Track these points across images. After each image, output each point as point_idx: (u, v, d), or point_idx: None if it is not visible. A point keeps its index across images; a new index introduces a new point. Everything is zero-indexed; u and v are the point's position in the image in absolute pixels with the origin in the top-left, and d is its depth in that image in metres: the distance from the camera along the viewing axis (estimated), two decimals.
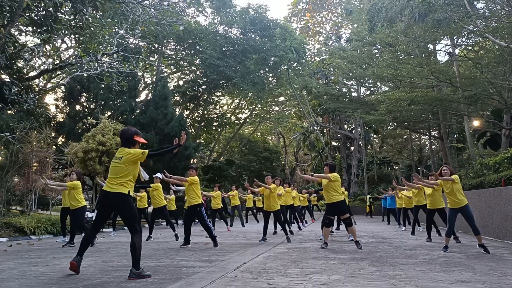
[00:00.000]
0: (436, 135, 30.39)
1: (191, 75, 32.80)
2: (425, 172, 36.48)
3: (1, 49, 10.34)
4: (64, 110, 20.75)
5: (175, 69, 32.55)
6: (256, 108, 37.10)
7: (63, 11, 12.33)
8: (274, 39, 27.22)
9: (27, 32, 13.55)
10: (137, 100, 23.07)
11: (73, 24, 12.94)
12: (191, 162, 24.00)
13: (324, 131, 42.87)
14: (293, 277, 4.72)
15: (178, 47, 30.39)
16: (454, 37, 20.47)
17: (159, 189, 10.42)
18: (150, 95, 27.06)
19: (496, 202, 9.67)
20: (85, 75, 13.90)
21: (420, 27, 18.91)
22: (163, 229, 14.72)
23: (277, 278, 4.65)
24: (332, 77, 37.32)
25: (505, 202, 9.17)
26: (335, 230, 12.27)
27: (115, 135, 15.78)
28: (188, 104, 32.83)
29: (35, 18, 11.84)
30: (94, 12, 13.88)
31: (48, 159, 14.35)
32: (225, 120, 35.27)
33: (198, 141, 31.83)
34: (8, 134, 12.57)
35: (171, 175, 8.19)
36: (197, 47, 28.32)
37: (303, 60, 32.09)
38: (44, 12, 11.72)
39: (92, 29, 14.42)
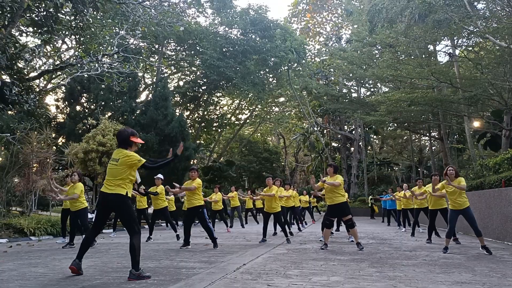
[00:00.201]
0: (436, 136, 30.40)
1: (191, 76, 32.80)
2: (425, 173, 36.49)
3: (1, 49, 10.35)
4: (65, 111, 20.76)
5: (175, 70, 32.56)
6: (256, 109, 37.10)
7: (63, 12, 12.34)
8: (274, 40, 27.23)
9: (28, 33, 13.57)
10: (137, 100, 23.08)
11: (74, 25, 12.95)
12: (191, 162, 24.00)
13: (324, 132, 42.86)
14: (292, 278, 4.72)
15: (179, 47, 30.40)
16: (455, 38, 20.47)
17: (162, 191, 10.44)
18: (150, 95, 27.08)
19: (496, 203, 9.66)
20: (85, 75, 13.90)
21: (420, 27, 18.91)
22: (163, 230, 14.72)
23: (277, 280, 4.64)
24: (332, 78, 37.33)
25: (505, 203, 9.16)
26: (335, 231, 12.26)
27: (115, 135, 15.78)
28: (188, 104, 32.83)
29: (36, 18, 11.85)
30: (95, 12, 13.90)
31: (48, 160, 14.34)
32: (225, 121, 35.26)
33: (198, 141, 31.83)
34: (9, 134, 12.58)
35: (179, 186, 8.21)
36: (198, 48, 28.32)
37: (303, 61, 32.09)
38: (44, 13, 11.73)
39: (93, 29, 14.43)
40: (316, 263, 5.98)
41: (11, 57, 10.93)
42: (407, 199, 12.39)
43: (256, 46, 27.49)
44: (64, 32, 13.16)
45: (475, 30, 17.01)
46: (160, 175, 10.71)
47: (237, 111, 37.62)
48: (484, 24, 16.81)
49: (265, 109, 38.41)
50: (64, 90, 21.21)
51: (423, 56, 22.77)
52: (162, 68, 27.15)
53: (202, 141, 35.32)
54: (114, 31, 16.47)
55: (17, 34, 13.16)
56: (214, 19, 29.22)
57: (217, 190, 14.23)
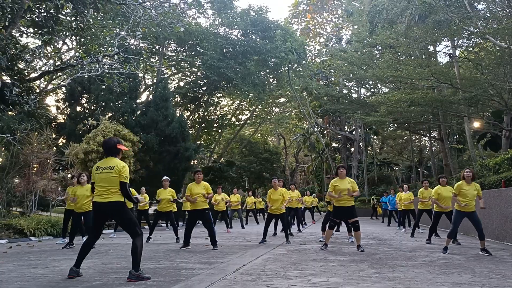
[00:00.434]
0: (437, 136, 30.41)
1: (191, 77, 32.81)
2: (425, 173, 36.48)
3: (2, 50, 10.37)
4: (65, 112, 20.77)
5: (175, 71, 32.54)
6: (257, 110, 37.11)
7: (64, 13, 12.34)
8: (274, 41, 27.24)
9: (28, 34, 13.59)
10: (137, 101, 23.09)
11: (74, 26, 12.96)
12: (191, 163, 24.00)
13: (325, 132, 42.86)
14: (292, 279, 4.72)
15: (179, 48, 30.41)
16: (455, 39, 20.48)
17: (173, 194, 10.41)
18: (150, 96, 27.09)
19: (496, 204, 9.66)
20: (86, 76, 13.89)
21: (421, 28, 18.92)
22: (163, 230, 14.72)
23: (276, 280, 4.65)
24: (333, 79, 37.33)
25: (505, 203, 9.16)
26: (335, 232, 12.26)
27: (115, 136, 15.80)
28: (188, 105, 32.84)
29: (36, 19, 11.87)
30: (95, 13, 13.91)
31: (48, 160, 14.36)
32: (226, 122, 35.27)
33: (198, 142, 31.82)
34: (9, 135, 12.59)
35: (210, 193, 8.13)
36: (198, 49, 28.33)
37: (304, 62, 32.09)
38: (45, 14, 11.75)
39: (93, 30, 14.44)
40: (316, 264, 5.98)
41: (12, 58, 10.95)
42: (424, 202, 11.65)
43: (256, 46, 27.50)
44: (64, 33, 13.17)
45: (475, 30, 17.01)
46: (167, 177, 10.69)
47: (238, 112, 37.63)
48: (484, 24, 16.82)
49: (266, 109, 38.42)
50: (65, 91, 21.24)
51: (423, 56, 22.79)
52: (163, 68, 27.16)
53: (202, 142, 35.32)
54: (115, 32, 16.50)
55: (17, 35, 13.19)
56: (214, 20, 29.22)
57: (220, 191, 14.26)
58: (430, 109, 20.76)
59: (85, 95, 20.38)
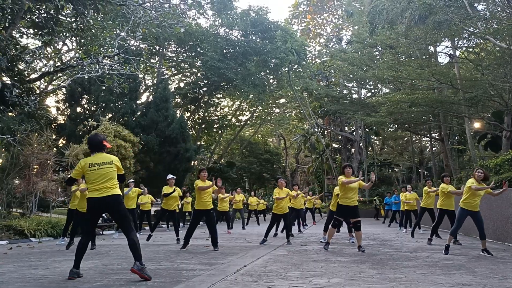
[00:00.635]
0: (437, 137, 30.39)
1: (192, 77, 32.82)
2: (426, 174, 36.45)
3: (2, 51, 10.37)
4: (65, 112, 20.77)
5: (176, 71, 32.56)
6: (257, 110, 37.12)
7: (64, 14, 12.35)
8: (275, 41, 27.26)
9: (29, 35, 13.57)
10: (138, 102, 23.09)
11: (74, 27, 12.97)
12: (192, 164, 23.99)
13: (325, 133, 42.86)
14: (293, 280, 4.71)
15: (179, 49, 30.44)
16: (455, 39, 20.48)
17: (179, 192, 10.46)
18: (151, 97, 27.10)
19: (497, 204, 9.65)
20: (86, 77, 13.89)
21: (421, 29, 18.92)
22: (163, 231, 14.70)
23: (277, 281, 4.64)
24: (333, 79, 37.33)
25: (506, 204, 9.15)
26: (335, 232, 12.26)
27: (116, 137, 15.79)
28: (189, 106, 32.85)
29: (37, 20, 11.87)
30: (95, 14, 13.91)
31: (48, 161, 14.34)
32: (226, 122, 35.28)
33: (198, 143, 31.82)
34: (9, 136, 12.57)
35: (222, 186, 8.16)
36: (198, 49, 28.35)
37: (304, 62, 32.10)
38: (45, 15, 11.75)
39: (93, 31, 14.44)
40: (317, 264, 5.97)
41: (12, 59, 10.95)
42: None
43: (256, 47, 27.52)
44: (64, 33, 13.18)
45: (475, 31, 17.01)
46: (172, 175, 10.71)
47: (238, 113, 37.64)
48: (484, 25, 16.81)
49: (266, 110, 38.44)
50: (65, 92, 21.23)
51: (424, 57, 22.79)
52: (163, 69, 27.16)
53: (202, 143, 35.33)
54: (115, 32, 16.50)
55: (17, 36, 13.16)
56: (214, 21, 29.26)
57: (224, 192, 14.27)
58: (430, 109, 20.75)
59: (85, 96, 20.38)
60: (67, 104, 20.62)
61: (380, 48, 25.39)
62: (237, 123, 37.54)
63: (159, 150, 20.02)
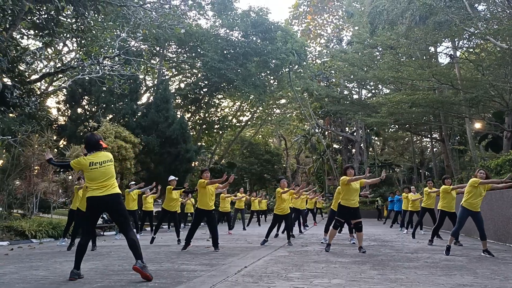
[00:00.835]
0: (438, 138, 30.37)
1: (192, 78, 32.84)
2: (427, 174, 36.42)
3: (3, 52, 10.38)
4: (66, 113, 20.79)
5: (176, 72, 32.60)
6: (258, 111, 37.12)
7: (65, 15, 12.37)
8: (275, 42, 27.26)
9: (29, 36, 13.59)
10: (138, 103, 23.11)
11: (75, 28, 12.98)
12: (192, 165, 23.99)
13: (326, 134, 42.86)
14: (294, 281, 4.71)
15: (180, 50, 30.45)
16: (455, 40, 20.49)
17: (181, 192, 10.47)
18: (151, 98, 27.12)
19: (498, 205, 9.64)
20: (86, 78, 13.92)
21: (421, 29, 18.93)
22: (164, 232, 14.70)
23: (278, 282, 4.63)
24: (333, 80, 37.34)
25: (507, 205, 9.14)
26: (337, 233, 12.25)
27: (116, 138, 15.79)
28: (189, 106, 32.86)
29: (37, 21, 11.89)
30: (96, 15, 13.92)
31: None
32: (227, 123, 35.28)
33: (199, 144, 31.80)
34: (10, 137, 12.58)
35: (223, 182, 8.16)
36: (199, 50, 28.36)
37: (304, 63, 32.11)
38: (46, 16, 11.77)
39: (94, 32, 14.44)
40: (318, 265, 5.96)
41: (12, 60, 10.96)
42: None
43: (257, 48, 27.53)
44: (65, 34, 13.19)
45: (475, 31, 17.01)
46: (174, 177, 10.72)
47: (238, 113, 37.65)
48: (484, 25, 16.80)
49: (266, 111, 38.45)
50: (65, 93, 21.25)
51: (424, 57, 22.79)
52: (163, 70, 27.18)
53: (203, 143, 35.32)
54: (115, 33, 16.50)
55: (18, 37, 13.19)
56: (215, 22, 29.27)
57: (226, 192, 14.27)
58: (431, 110, 20.75)
59: (85, 97, 20.40)
60: (67, 105, 20.65)
61: (380, 49, 25.41)
62: (237, 124, 37.54)
63: (159, 151, 20.02)
